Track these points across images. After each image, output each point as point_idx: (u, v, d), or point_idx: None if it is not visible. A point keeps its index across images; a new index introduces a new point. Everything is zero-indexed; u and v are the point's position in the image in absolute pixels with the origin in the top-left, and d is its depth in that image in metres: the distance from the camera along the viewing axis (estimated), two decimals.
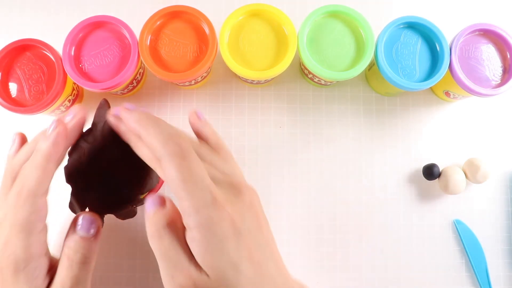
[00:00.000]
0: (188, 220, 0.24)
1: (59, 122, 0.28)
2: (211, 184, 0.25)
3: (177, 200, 0.25)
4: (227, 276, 0.24)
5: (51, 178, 0.28)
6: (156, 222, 0.26)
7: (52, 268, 0.28)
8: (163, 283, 0.26)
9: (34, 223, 0.27)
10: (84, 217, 0.28)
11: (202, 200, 0.24)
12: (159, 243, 0.25)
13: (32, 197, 0.27)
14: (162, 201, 0.27)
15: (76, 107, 0.30)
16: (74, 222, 0.29)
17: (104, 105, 0.32)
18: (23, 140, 0.33)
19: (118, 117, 0.29)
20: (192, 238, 0.25)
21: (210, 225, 0.24)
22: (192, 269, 0.25)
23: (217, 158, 0.29)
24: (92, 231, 0.28)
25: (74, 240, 0.28)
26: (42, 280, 0.27)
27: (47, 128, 0.28)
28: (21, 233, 0.27)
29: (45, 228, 0.28)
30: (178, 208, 0.26)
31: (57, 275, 0.27)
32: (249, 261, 0.25)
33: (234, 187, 0.27)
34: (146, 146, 0.28)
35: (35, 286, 0.27)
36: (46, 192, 0.27)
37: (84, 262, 0.27)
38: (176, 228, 0.26)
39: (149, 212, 0.27)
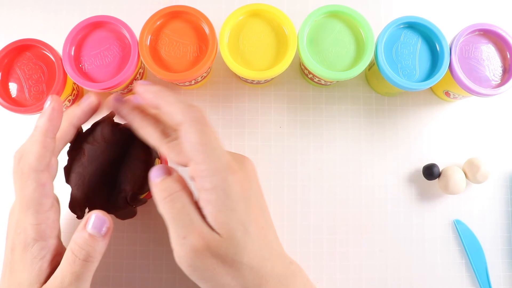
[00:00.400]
0: (205, 182, 0.26)
1: (54, 97, 0.29)
2: (226, 151, 0.27)
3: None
4: (237, 236, 0.26)
5: (50, 152, 0.28)
6: (167, 187, 0.27)
7: (58, 256, 0.29)
8: (174, 247, 0.26)
9: (39, 198, 0.27)
10: (97, 216, 0.29)
11: (219, 163, 0.26)
12: (171, 205, 0.26)
13: (34, 172, 0.27)
14: (168, 170, 0.28)
15: (91, 94, 0.31)
16: (86, 219, 0.29)
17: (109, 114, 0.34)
18: None
19: (119, 100, 0.31)
20: (207, 199, 0.26)
21: (225, 187, 0.26)
22: (205, 229, 0.26)
23: None
24: (102, 230, 0.28)
25: (82, 236, 0.28)
26: (47, 263, 0.28)
27: (44, 104, 0.29)
28: (28, 209, 0.27)
29: (54, 207, 0.29)
30: (192, 172, 0.27)
31: (59, 267, 0.28)
32: (255, 224, 0.27)
33: (238, 156, 0.29)
34: (152, 126, 0.29)
35: (39, 267, 0.27)
36: (47, 167, 0.28)
37: (88, 260, 0.27)
38: (185, 194, 0.27)
39: (156, 180, 0.28)
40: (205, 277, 0.27)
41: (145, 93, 0.29)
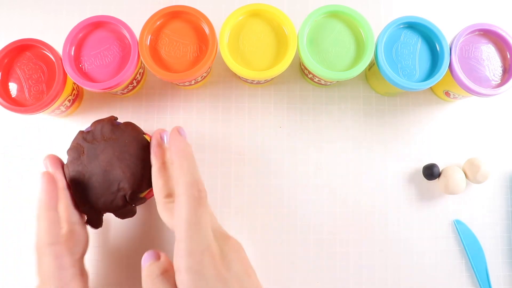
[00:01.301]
0: (180, 262, 0.26)
1: (43, 174, 0.31)
2: (210, 235, 0.27)
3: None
4: None
5: (58, 223, 0.30)
6: (151, 271, 0.28)
7: None
8: None
9: (57, 272, 0.29)
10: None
11: (198, 245, 0.26)
12: (153, 286, 0.28)
13: (47, 247, 0.29)
14: (157, 255, 0.30)
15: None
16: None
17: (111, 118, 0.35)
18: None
19: (159, 145, 0.33)
20: (181, 280, 0.26)
21: (199, 270, 0.26)
22: None
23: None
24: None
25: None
26: None
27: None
28: (51, 283, 0.28)
29: (76, 278, 0.30)
30: (175, 249, 0.27)
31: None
32: None
33: (224, 235, 0.29)
34: (165, 176, 0.31)
35: None
36: (57, 239, 0.30)
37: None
38: (168, 276, 0.28)
39: (144, 264, 0.29)
40: None
41: (171, 142, 0.31)
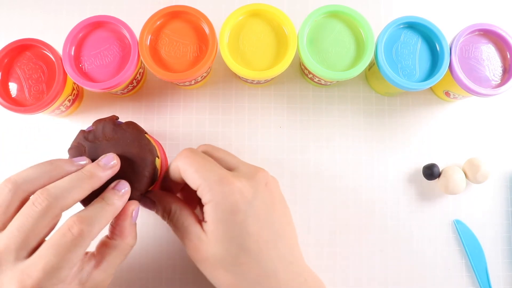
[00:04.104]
0: (205, 198, 0.28)
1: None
2: (221, 169, 0.29)
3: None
4: (230, 248, 0.27)
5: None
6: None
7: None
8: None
9: None
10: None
11: (211, 180, 0.28)
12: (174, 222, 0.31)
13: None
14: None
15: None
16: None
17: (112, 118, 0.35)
18: None
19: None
20: (208, 213, 0.28)
21: (220, 199, 0.27)
22: (202, 236, 0.29)
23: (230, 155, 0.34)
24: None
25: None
26: None
27: None
28: None
29: None
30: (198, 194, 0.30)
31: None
32: (255, 237, 0.28)
33: (253, 169, 0.31)
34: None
35: None
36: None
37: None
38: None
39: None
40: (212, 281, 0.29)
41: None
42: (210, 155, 0.32)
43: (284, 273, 0.28)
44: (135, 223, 0.32)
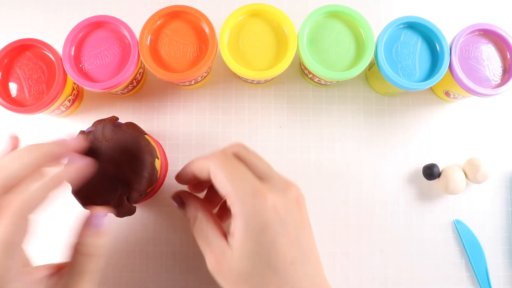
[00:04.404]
0: (234, 210, 0.27)
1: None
2: (253, 179, 0.28)
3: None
4: (258, 269, 0.26)
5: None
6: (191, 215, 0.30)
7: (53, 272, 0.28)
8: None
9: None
10: (96, 213, 0.30)
11: (244, 190, 0.27)
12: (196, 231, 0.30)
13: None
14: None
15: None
16: (86, 219, 0.29)
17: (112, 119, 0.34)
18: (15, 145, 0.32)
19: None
20: (234, 225, 0.27)
21: (252, 214, 0.26)
22: (227, 250, 0.27)
23: (262, 161, 0.32)
24: (104, 225, 0.30)
25: (86, 235, 0.29)
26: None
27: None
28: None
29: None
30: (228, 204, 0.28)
31: (68, 268, 0.28)
32: (282, 257, 0.27)
33: (285, 184, 0.29)
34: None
35: None
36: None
37: (95, 255, 0.29)
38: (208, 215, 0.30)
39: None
40: None
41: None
42: (243, 159, 0.30)
43: None
44: (100, 233, 0.29)
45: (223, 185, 0.28)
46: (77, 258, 0.28)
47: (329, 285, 0.30)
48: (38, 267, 0.28)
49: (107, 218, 0.30)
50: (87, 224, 0.29)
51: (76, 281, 0.27)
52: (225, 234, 0.29)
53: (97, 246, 0.29)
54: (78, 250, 0.28)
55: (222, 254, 0.27)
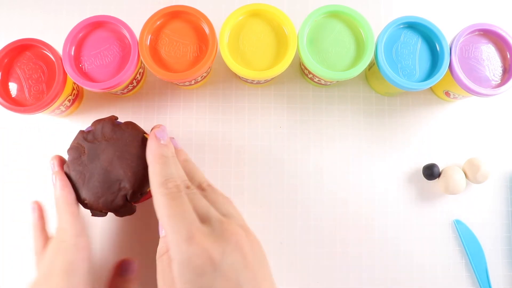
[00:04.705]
0: (170, 252, 0.27)
1: (56, 173, 0.33)
2: (194, 222, 0.27)
3: None
4: None
5: (80, 217, 0.33)
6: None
7: None
8: None
9: (78, 263, 0.31)
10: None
11: (180, 235, 0.26)
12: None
13: (73, 237, 0.32)
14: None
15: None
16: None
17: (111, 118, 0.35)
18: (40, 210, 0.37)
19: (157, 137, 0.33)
20: (173, 269, 0.26)
21: (184, 259, 0.26)
22: None
23: (221, 199, 0.32)
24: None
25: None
26: None
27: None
28: (69, 274, 0.30)
29: (91, 271, 0.32)
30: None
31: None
32: None
33: (222, 226, 0.28)
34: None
35: None
36: (83, 231, 0.32)
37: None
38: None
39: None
40: None
41: (148, 147, 0.32)
42: (190, 191, 0.30)
43: None
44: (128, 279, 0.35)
45: (161, 222, 0.28)
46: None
47: None
48: None
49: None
50: (121, 274, 0.36)
51: None
52: None
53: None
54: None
55: None
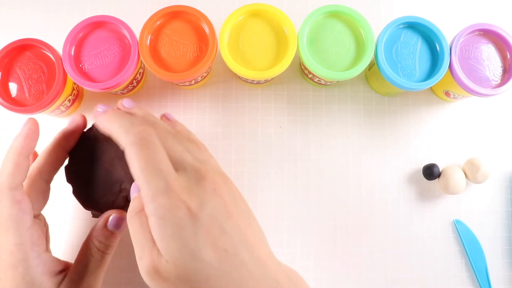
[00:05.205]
0: (146, 208, 0.25)
1: (30, 120, 0.30)
2: (170, 173, 0.25)
3: None
4: (187, 264, 0.24)
5: (25, 170, 0.29)
6: (133, 207, 0.26)
7: (51, 268, 0.29)
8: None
9: (17, 216, 0.27)
10: (115, 216, 0.32)
11: (156, 188, 0.24)
12: (131, 225, 0.26)
13: (7, 190, 0.27)
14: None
15: (79, 115, 0.33)
16: (105, 219, 0.31)
17: None
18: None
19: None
20: (151, 225, 0.25)
21: (164, 213, 0.24)
22: (154, 253, 0.25)
23: (192, 146, 0.30)
24: (121, 227, 0.32)
25: (104, 233, 0.31)
26: (45, 276, 0.28)
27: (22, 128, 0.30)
28: (8, 230, 0.27)
29: (36, 224, 0.29)
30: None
31: (78, 259, 0.30)
32: (212, 249, 0.25)
33: (199, 174, 0.27)
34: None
35: (38, 283, 0.27)
36: (20, 185, 0.28)
37: (108, 252, 0.31)
38: (145, 215, 0.26)
39: (131, 196, 0.28)
40: None
41: (100, 123, 0.29)
42: (163, 136, 0.27)
43: (253, 280, 0.26)
44: (113, 233, 0.32)
45: (135, 174, 0.25)
46: (94, 254, 0.30)
47: (274, 262, 0.28)
48: (61, 261, 0.31)
49: (123, 220, 0.32)
50: (108, 225, 0.31)
51: (92, 275, 0.30)
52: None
53: (113, 246, 0.31)
54: (97, 247, 0.30)
55: (158, 260, 0.25)
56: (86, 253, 0.31)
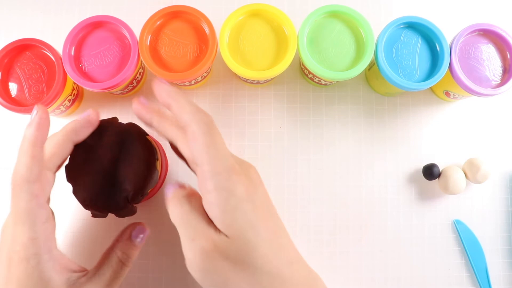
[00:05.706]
0: (208, 184, 0.26)
1: (40, 107, 0.29)
2: (230, 155, 0.27)
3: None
4: (247, 235, 0.25)
5: (40, 162, 0.28)
6: (177, 194, 0.28)
7: (63, 265, 0.29)
8: (184, 251, 0.26)
9: (35, 210, 0.27)
10: (139, 227, 0.34)
11: (222, 164, 0.26)
12: (179, 209, 0.27)
13: (26, 183, 0.27)
14: (182, 185, 0.29)
15: (93, 110, 0.32)
16: (131, 231, 0.33)
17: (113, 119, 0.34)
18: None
19: (142, 104, 0.30)
20: (211, 201, 0.26)
21: (228, 186, 0.25)
22: (211, 231, 0.26)
23: None
24: (143, 239, 0.34)
25: (129, 246, 0.33)
26: (55, 274, 0.28)
27: (30, 115, 0.29)
28: (25, 223, 0.27)
29: (50, 220, 0.29)
30: (198, 175, 0.27)
31: (102, 270, 0.31)
32: (264, 227, 0.26)
33: (244, 162, 0.29)
34: (170, 122, 0.29)
35: (47, 279, 0.27)
36: (38, 177, 0.28)
37: (129, 265, 0.32)
38: (195, 199, 0.28)
39: (168, 193, 0.29)
40: (218, 282, 0.25)
41: (158, 91, 0.29)
42: None
43: (294, 264, 0.28)
44: (136, 245, 0.33)
45: (200, 150, 0.26)
46: (115, 264, 0.31)
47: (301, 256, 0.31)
48: (71, 261, 0.31)
49: (145, 232, 0.34)
50: (132, 236, 0.33)
51: (109, 283, 0.30)
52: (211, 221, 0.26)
53: (134, 258, 0.33)
54: (119, 257, 0.31)
55: (217, 237, 0.25)
56: (107, 263, 0.31)
